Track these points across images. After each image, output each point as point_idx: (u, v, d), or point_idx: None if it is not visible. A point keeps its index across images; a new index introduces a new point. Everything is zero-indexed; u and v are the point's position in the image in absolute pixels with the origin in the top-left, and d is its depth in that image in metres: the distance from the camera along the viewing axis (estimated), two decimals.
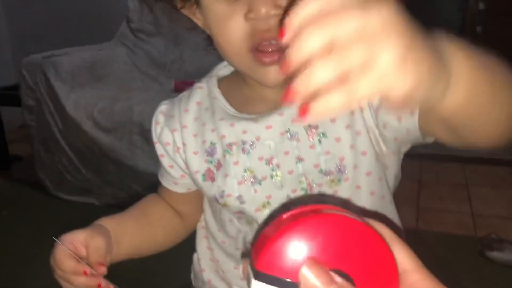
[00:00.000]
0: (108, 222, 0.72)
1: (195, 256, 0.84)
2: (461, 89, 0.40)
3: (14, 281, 1.75)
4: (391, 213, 0.70)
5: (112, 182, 2.23)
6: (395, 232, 0.38)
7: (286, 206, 0.65)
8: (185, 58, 2.69)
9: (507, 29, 3.19)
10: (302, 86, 0.32)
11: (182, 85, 2.45)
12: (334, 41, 0.32)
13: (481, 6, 3.37)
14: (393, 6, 0.33)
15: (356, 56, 0.32)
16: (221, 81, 0.75)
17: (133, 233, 0.75)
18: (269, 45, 0.59)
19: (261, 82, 0.63)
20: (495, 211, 2.14)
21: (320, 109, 0.33)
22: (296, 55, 0.32)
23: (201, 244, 0.81)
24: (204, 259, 0.81)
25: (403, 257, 0.36)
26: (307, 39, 0.32)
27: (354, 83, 0.32)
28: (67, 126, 2.26)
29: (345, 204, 0.65)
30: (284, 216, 0.37)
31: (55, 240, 0.65)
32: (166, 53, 2.73)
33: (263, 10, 0.56)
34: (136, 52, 2.73)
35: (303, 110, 0.33)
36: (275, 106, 0.66)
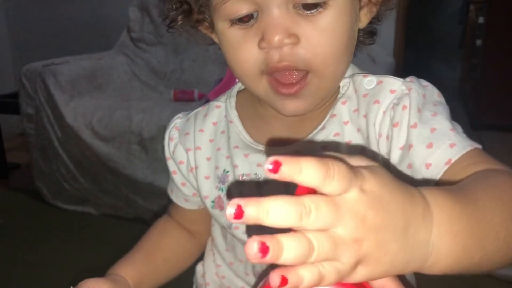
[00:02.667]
0: (128, 271, 0.71)
1: (198, 267, 0.81)
2: (443, 263, 0.37)
3: None
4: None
5: (109, 192, 2.22)
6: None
7: None
8: (185, 68, 2.69)
9: (506, 42, 3.20)
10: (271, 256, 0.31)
11: (181, 94, 2.45)
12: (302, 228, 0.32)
13: (481, 20, 3.39)
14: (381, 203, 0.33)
15: (321, 251, 0.32)
16: (240, 94, 0.71)
17: (152, 276, 0.74)
18: (288, 77, 0.56)
19: (278, 111, 0.60)
20: None
21: (292, 279, 0.32)
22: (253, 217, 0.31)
23: (208, 256, 0.79)
24: (209, 273, 0.78)
25: None
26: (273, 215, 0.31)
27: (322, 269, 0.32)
28: (65, 135, 2.26)
29: None
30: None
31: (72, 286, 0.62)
32: (166, 63, 2.74)
33: (276, 39, 0.53)
34: (136, 61, 2.74)
35: (283, 281, 0.32)
36: (291, 127, 0.64)
